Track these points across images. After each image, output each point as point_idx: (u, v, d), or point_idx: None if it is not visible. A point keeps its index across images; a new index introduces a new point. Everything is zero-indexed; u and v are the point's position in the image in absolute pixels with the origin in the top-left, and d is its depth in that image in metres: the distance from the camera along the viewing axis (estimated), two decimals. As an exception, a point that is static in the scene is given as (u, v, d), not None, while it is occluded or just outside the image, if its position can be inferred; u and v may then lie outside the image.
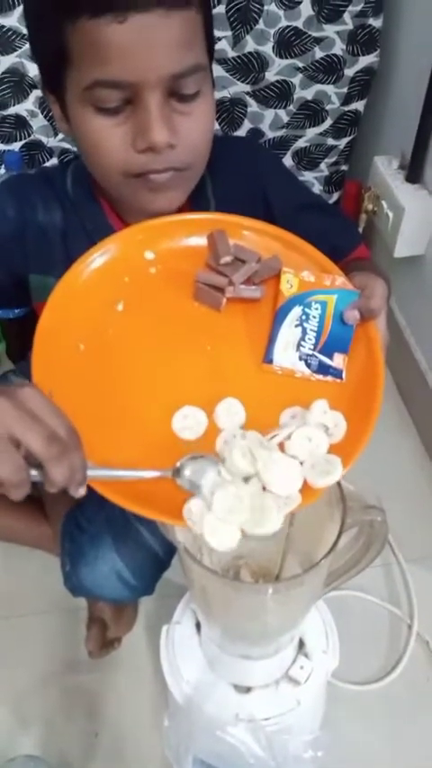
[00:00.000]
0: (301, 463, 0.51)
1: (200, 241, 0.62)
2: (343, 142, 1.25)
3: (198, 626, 0.74)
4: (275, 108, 1.19)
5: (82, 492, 0.48)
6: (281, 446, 0.52)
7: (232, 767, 0.71)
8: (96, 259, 0.60)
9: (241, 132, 1.21)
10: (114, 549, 0.82)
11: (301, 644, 0.74)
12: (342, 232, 0.79)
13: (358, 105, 1.21)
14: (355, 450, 0.52)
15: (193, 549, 0.59)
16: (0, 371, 1.14)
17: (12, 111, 1.12)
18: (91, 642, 0.91)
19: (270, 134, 1.22)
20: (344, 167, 1.30)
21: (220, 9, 1.05)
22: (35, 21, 0.61)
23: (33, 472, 0.45)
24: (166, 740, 0.72)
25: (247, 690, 0.71)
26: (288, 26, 1.09)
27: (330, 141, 1.25)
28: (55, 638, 0.97)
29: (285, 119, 1.20)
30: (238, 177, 0.73)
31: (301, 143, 1.24)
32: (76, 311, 0.58)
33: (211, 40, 0.62)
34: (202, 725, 0.69)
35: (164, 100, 0.57)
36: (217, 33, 1.07)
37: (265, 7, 1.06)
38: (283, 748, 0.69)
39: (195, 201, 0.68)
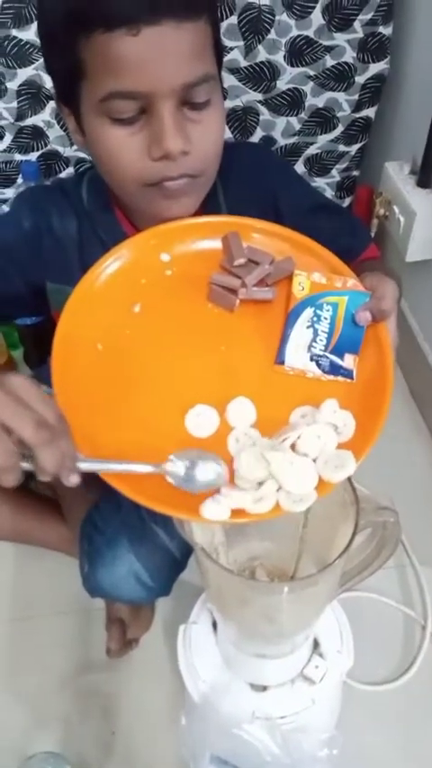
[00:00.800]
0: (314, 461, 0.52)
1: (214, 244, 0.63)
2: (354, 148, 1.27)
3: (214, 625, 0.76)
4: (287, 116, 1.20)
5: (74, 480, 0.48)
6: (292, 447, 0.53)
7: (249, 765, 0.73)
8: (113, 263, 0.62)
9: (254, 140, 1.22)
10: (131, 551, 0.83)
11: (316, 644, 0.75)
12: (352, 233, 0.80)
13: (369, 112, 1.22)
14: (364, 448, 0.53)
15: (209, 549, 0.60)
16: (18, 377, 1.16)
17: (29, 122, 1.14)
18: (113, 641, 0.92)
19: (282, 141, 1.24)
20: (355, 173, 1.32)
21: (232, 19, 1.07)
22: (49, 36, 0.63)
23: (25, 464, 0.46)
24: (182, 738, 0.73)
25: (263, 688, 0.73)
26: (299, 35, 1.10)
27: (342, 148, 1.26)
28: (72, 639, 0.98)
29: (297, 126, 1.22)
30: (248, 183, 0.74)
31: (312, 150, 1.26)
32: (95, 312, 0.60)
33: (219, 50, 0.64)
34: (219, 723, 0.71)
35: (177, 109, 0.59)
36: (229, 43, 1.10)
37: (277, 17, 1.08)
38: (298, 746, 0.70)
39: (208, 207, 0.70)
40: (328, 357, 0.58)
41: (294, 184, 0.81)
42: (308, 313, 0.60)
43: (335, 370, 0.58)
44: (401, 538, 1.05)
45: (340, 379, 0.58)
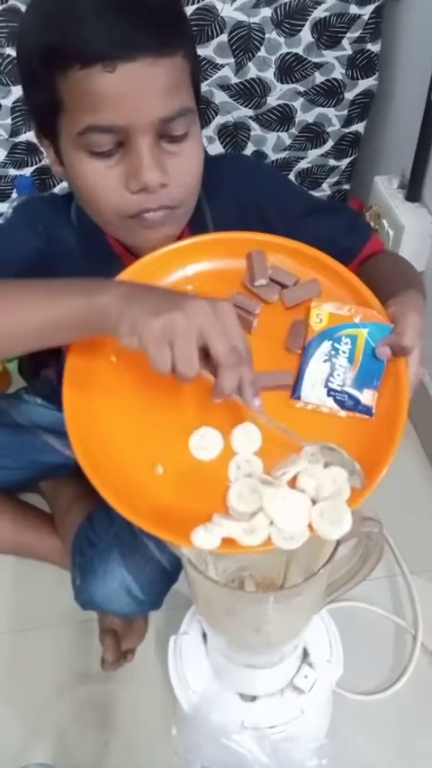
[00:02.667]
0: (313, 503, 0.52)
1: (237, 263, 0.63)
2: (344, 163, 1.28)
3: (205, 636, 0.76)
4: (278, 131, 1.22)
5: (257, 404, 0.53)
6: (291, 482, 0.53)
7: (239, 774, 0.73)
8: (135, 275, 0.62)
9: (246, 154, 1.24)
10: (123, 564, 0.84)
11: (306, 653, 0.76)
12: (349, 231, 0.78)
13: (358, 127, 1.24)
14: (368, 486, 0.52)
15: (197, 560, 0.61)
16: (13, 389, 1.17)
17: (23, 137, 1.16)
18: (108, 653, 0.93)
19: (273, 156, 1.26)
20: (346, 186, 1.33)
21: (222, 38, 1.09)
22: (27, 71, 0.64)
23: (208, 375, 0.52)
24: (174, 749, 0.74)
25: (253, 698, 0.73)
26: (289, 53, 1.12)
27: (332, 162, 1.28)
28: (66, 650, 0.98)
29: (288, 141, 1.24)
30: (231, 194, 0.75)
31: (303, 164, 1.28)
32: None
33: (197, 83, 0.65)
34: (209, 733, 0.71)
35: (154, 142, 0.60)
36: (220, 61, 1.11)
37: (267, 35, 1.10)
38: (288, 756, 0.71)
39: (193, 222, 0.70)
40: (346, 392, 0.57)
41: (281, 190, 0.80)
42: (325, 346, 0.58)
43: (353, 405, 0.56)
44: (392, 547, 1.07)
45: (358, 415, 0.56)
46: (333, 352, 0.58)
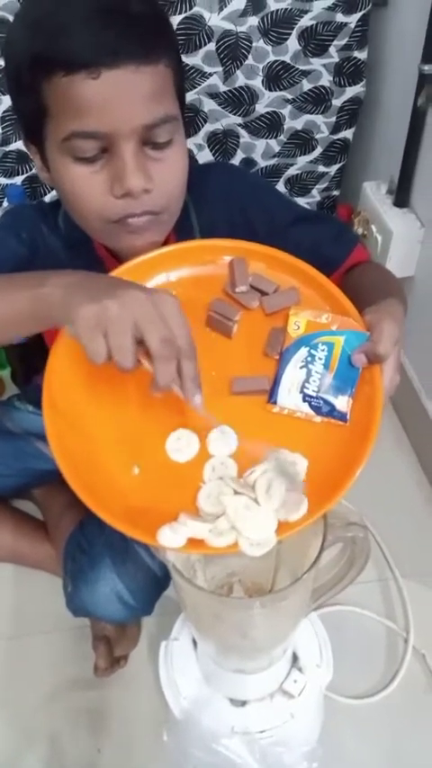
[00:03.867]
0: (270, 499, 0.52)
1: (219, 269, 0.63)
2: (333, 169, 1.29)
3: (195, 642, 0.77)
4: (267, 138, 1.23)
5: (198, 401, 0.54)
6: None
7: (230, 779, 0.73)
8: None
9: (235, 162, 1.25)
10: (114, 571, 0.84)
11: (295, 658, 0.76)
12: (335, 240, 0.79)
13: (347, 133, 1.25)
14: (339, 488, 0.53)
15: (186, 566, 0.62)
16: (5, 396, 1.17)
17: (13, 146, 1.17)
18: (101, 659, 0.93)
19: (262, 163, 1.26)
20: (335, 192, 1.34)
21: (210, 46, 1.10)
22: (14, 78, 0.65)
23: (148, 365, 0.52)
24: (165, 754, 0.74)
25: (243, 703, 0.74)
26: (276, 60, 1.13)
27: (321, 168, 1.29)
28: (60, 657, 0.99)
29: (277, 148, 1.24)
30: (219, 203, 0.75)
31: (292, 171, 1.29)
32: None
33: (182, 92, 0.66)
34: (200, 738, 0.72)
35: (138, 148, 0.61)
36: (208, 69, 1.12)
37: (254, 44, 1.11)
38: (278, 760, 0.71)
39: (180, 229, 0.71)
40: (321, 398, 0.57)
41: (268, 199, 0.80)
42: (302, 353, 0.59)
43: (328, 411, 0.57)
44: (384, 551, 1.08)
45: (333, 420, 0.57)
46: (309, 359, 0.58)
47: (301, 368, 0.58)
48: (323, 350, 0.59)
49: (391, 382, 0.57)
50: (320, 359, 0.58)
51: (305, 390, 0.58)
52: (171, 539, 0.52)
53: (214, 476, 0.56)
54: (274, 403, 0.58)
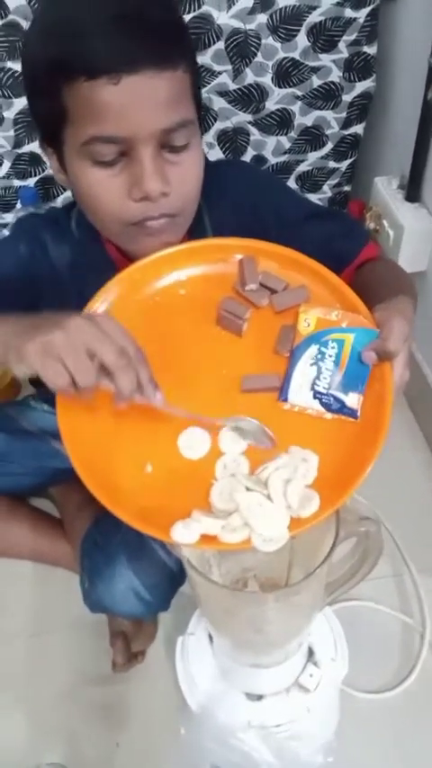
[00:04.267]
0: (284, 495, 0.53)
1: (228, 267, 0.64)
2: (344, 164, 1.29)
3: (211, 637, 0.77)
4: (277, 135, 1.23)
5: (159, 399, 0.56)
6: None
7: (247, 773, 0.74)
8: (120, 285, 0.63)
9: (245, 159, 1.25)
10: (130, 567, 0.85)
11: (311, 652, 0.76)
12: (346, 235, 0.79)
13: (357, 129, 1.25)
14: (350, 485, 0.53)
15: (201, 562, 0.62)
16: (21, 396, 1.19)
17: (26, 149, 1.18)
18: (119, 655, 0.94)
19: (273, 160, 1.27)
20: (346, 188, 1.34)
21: (219, 45, 1.10)
22: (32, 82, 0.65)
23: (107, 383, 0.54)
24: (182, 749, 0.75)
25: (259, 698, 0.74)
26: (285, 57, 1.13)
27: (332, 164, 1.29)
28: (78, 653, 1.00)
29: (287, 145, 1.25)
30: (230, 201, 0.76)
31: (303, 167, 1.29)
32: None
33: (198, 95, 0.66)
34: (216, 732, 0.72)
35: (156, 152, 0.62)
36: (217, 68, 1.13)
37: (263, 41, 1.11)
38: (294, 754, 0.72)
39: (193, 229, 0.72)
40: (332, 395, 0.58)
41: (279, 197, 0.81)
42: (312, 350, 0.59)
43: (338, 408, 0.57)
44: (399, 547, 1.08)
45: (343, 417, 0.57)
46: (320, 356, 0.59)
47: (312, 365, 0.59)
48: (333, 347, 0.59)
49: (401, 379, 0.58)
50: (331, 356, 0.59)
51: (316, 387, 0.58)
52: (184, 535, 0.53)
53: (226, 473, 0.56)
54: (285, 400, 0.59)
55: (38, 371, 0.53)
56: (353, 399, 0.57)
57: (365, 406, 0.57)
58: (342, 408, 0.57)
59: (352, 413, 0.57)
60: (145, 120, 0.60)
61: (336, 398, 0.57)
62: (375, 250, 0.79)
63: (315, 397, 0.58)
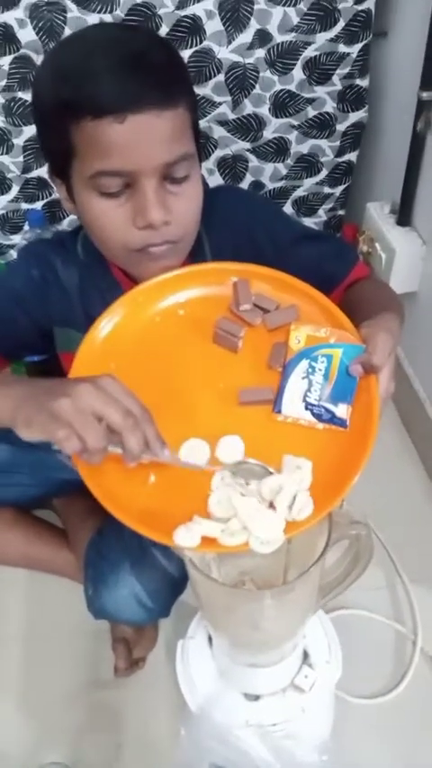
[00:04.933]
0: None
1: (224, 290, 0.69)
2: (338, 190, 1.35)
3: (210, 640, 0.81)
4: (274, 162, 1.29)
5: (167, 455, 0.59)
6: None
7: (244, 771, 0.77)
8: (124, 308, 0.68)
9: (244, 185, 1.31)
10: (133, 574, 0.88)
11: (306, 655, 0.80)
12: (336, 257, 0.83)
13: (351, 156, 1.30)
14: (341, 489, 0.57)
15: (201, 565, 0.66)
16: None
17: (35, 174, 1.23)
18: (120, 660, 0.97)
19: (270, 185, 1.32)
20: (341, 212, 1.40)
21: (219, 77, 1.16)
22: (42, 119, 0.70)
23: (115, 448, 0.56)
24: (182, 748, 0.78)
25: (256, 698, 0.77)
26: (282, 89, 1.19)
27: (327, 190, 1.34)
28: (80, 659, 1.03)
29: (284, 171, 1.30)
30: (227, 226, 0.80)
31: (299, 192, 1.34)
32: (108, 347, 0.66)
33: (197, 130, 0.71)
34: (215, 731, 0.75)
35: (158, 184, 0.66)
36: (218, 99, 1.19)
37: (261, 74, 1.17)
38: (290, 753, 0.75)
39: (193, 253, 0.76)
40: (322, 406, 0.61)
41: (272, 219, 0.84)
42: (303, 365, 0.63)
43: (329, 418, 0.61)
44: (392, 557, 1.11)
45: (334, 427, 0.61)
46: (310, 370, 0.63)
47: (303, 379, 0.63)
48: (323, 362, 0.63)
49: (386, 390, 0.62)
50: (320, 370, 0.63)
51: (307, 399, 0.62)
52: (186, 538, 0.56)
53: (222, 484, 0.60)
54: (279, 412, 0.62)
55: (48, 439, 0.55)
56: (342, 410, 0.61)
57: (354, 416, 0.61)
58: (332, 418, 0.61)
59: (342, 422, 0.61)
60: (148, 156, 0.64)
61: (326, 409, 0.61)
62: (365, 270, 0.83)
63: (307, 409, 0.62)
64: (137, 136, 0.63)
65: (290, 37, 1.13)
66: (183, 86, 0.67)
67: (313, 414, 0.62)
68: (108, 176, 0.65)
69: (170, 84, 0.65)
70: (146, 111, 0.62)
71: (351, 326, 0.65)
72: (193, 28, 1.09)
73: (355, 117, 1.24)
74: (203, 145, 1.24)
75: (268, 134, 1.24)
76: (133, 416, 0.56)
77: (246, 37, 1.12)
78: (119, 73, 0.63)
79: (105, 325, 0.67)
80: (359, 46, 1.16)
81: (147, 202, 0.66)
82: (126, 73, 0.63)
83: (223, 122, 1.22)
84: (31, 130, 1.18)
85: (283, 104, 1.21)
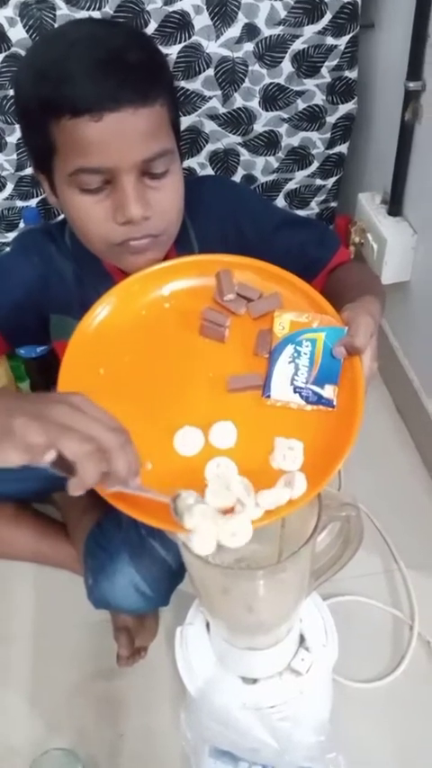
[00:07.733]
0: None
1: (208, 281, 0.70)
2: (330, 182, 1.36)
3: (208, 626, 0.82)
4: (265, 155, 1.30)
5: (138, 481, 0.55)
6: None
7: (244, 754, 0.78)
8: (114, 299, 0.69)
9: (236, 178, 1.32)
10: (132, 564, 0.90)
11: (302, 639, 0.81)
12: (318, 243, 0.84)
13: (342, 148, 1.31)
14: (333, 466, 0.59)
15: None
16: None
17: (28, 171, 1.24)
18: (123, 649, 0.99)
19: (262, 179, 1.33)
20: (333, 204, 1.40)
21: (209, 72, 1.17)
22: (24, 117, 0.71)
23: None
24: (183, 733, 0.79)
25: (254, 681, 0.79)
26: (271, 83, 1.20)
27: (318, 182, 1.35)
28: (83, 650, 1.04)
29: (275, 164, 1.31)
30: (211, 215, 0.82)
31: (291, 185, 1.35)
32: (100, 340, 0.68)
33: (176, 125, 0.72)
34: (214, 715, 0.77)
35: (137, 179, 0.67)
36: (208, 93, 1.19)
37: (250, 68, 1.18)
38: (287, 734, 0.76)
39: (180, 243, 0.78)
40: (309, 388, 0.63)
41: (255, 207, 0.86)
42: (289, 350, 0.65)
43: (316, 399, 0.63)
44: (389, 543, 1.13)
45: (322, 407, 0.63)
46: (296, 355, 0.65)
47: (290, 363, 0.65)
48: (307, 346, 0.65)
49: (369, 370, 0.64)
50: (305, 354, 0.65)
51: (295, 383, 0.64)
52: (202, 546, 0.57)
53: (217, 472, 0.61)
54: (268, 396, 0.64)
55: (63, 453, 0.51)
56: (329, 391, 0.63)
57: (341, 396, 0.63)
58: (320, 399, 0.63)
59: (329, 403, 0.63)
60: (126, 153, 0.65)
61: (313, 391, 0.63)
62: (346, 255, 0.85)
63: (295, 392, 0.64)
64: (114, 134, 0.64)
65: (278, 30, 1.14)
66: (160, 84, 0.68)
67: (301, 396, 0.63)
68: (87, 173, 0.67)
69: (147, 82, 0.66)
70: (123, 110, 0.64)
71: (332, 310, 0.66)
72: (181, 23, 1.10)
73: (344, 109, 1.25)
74: (194, 140, 1.25)
75: (259, 127, 1.25)
76: (121, 432, 0.54)
77: (234, 31, 1.13)
78: (96, 72, 0.64)
79: (97, 315, 0.69)
80: (347, 38, 1.16)
81: (126, 199, 0.67)
82: (103, 72, 0.64)
83: (214, 117, 1.23)
84: (23, 129, 1.19)
85: (272, 98, 1.22)
